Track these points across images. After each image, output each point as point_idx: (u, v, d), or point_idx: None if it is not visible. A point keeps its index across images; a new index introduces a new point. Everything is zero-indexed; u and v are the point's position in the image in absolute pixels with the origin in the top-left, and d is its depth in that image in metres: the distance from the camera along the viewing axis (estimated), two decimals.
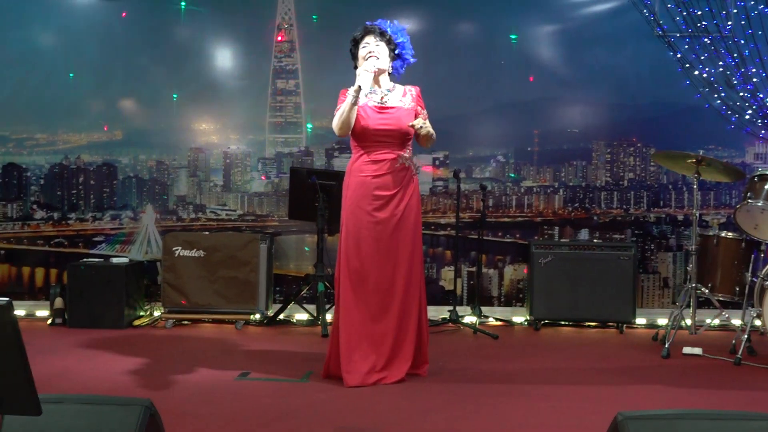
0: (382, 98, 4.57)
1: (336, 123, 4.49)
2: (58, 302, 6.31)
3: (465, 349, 5.59)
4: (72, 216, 6.99)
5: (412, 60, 4.71)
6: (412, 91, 4.63)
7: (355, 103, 4.41)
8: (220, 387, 4.41)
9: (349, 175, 4.59)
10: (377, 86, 4.58)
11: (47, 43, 6.97)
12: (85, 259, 6.48)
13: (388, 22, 4.66)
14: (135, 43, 6.94)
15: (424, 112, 4.60)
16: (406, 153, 4.58)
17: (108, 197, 7.03)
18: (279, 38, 7.01)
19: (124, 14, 6.90)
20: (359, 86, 4.40)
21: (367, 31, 4.59)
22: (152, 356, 5.16)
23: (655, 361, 5.26)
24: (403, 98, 4.59)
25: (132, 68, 6.96)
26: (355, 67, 4.63)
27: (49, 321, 6.34)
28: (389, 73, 4.65)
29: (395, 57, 4.64)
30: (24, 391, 2.00)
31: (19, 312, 6.56)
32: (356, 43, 4.62)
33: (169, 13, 6.95)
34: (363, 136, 4.52)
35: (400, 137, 4.53)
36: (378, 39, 4.55)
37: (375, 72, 4.48)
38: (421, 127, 4.44)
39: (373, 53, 4.52)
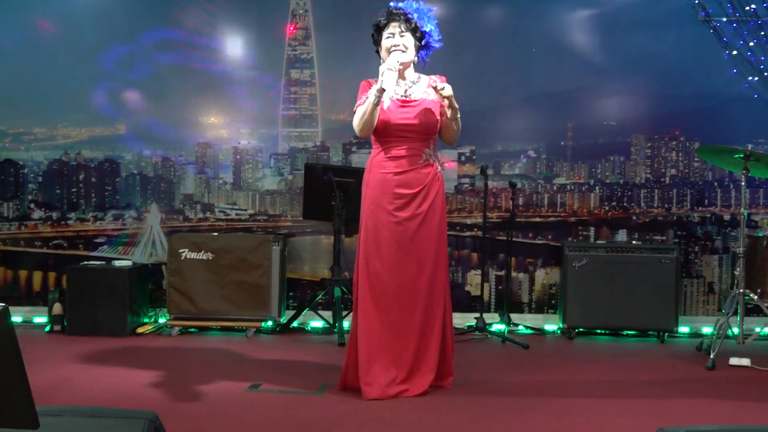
0: (405, 91, 4.53)
1: (357, 123, 4.46)
2: (57, 308, 6.36)
3: (493, 360, 5.58)
4: (72, 216, 7.05)
5: (438, 46, 4.67)
6: (437, 82, 4.58)
7: (377, 104, 4.36)
8: (230, 399, 4.42)
9: (369, 171, 4.58)
10: (401, 79, 4.55)
11: (46, 31, 7.02)
12: (85, 262, 6.54)
13: (415, 4, 4.56)
14: (139, 32, 6.98)
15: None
16: (431, 149, 4.56)
17: (110, 196, 7.07)
18: (292, 29, 7.03)
19: None
20: (383, 88, 4.32)
21: (392, 17, 4.51)
22: (157, 366, 5.18)
23: (699, 372, 5.23)
24: (427, 89, 4.55)
25: (136, 59, 7.00)
26: (377, 52, 4.61)
27: (47, 328, 6.39)
28: (414, 63, 4.62)
29: (421, 46, 4.61)
30: (21, 403, 2.02)
31: (16, 318, 6.63)
32: (379, 29, 4.57)
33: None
34: (384, 131, 4.49)
35: (424, 132, 4.50)
36: (403, 27, 4.47)
37: (399, 70, 4.44)
38: (443, 88, 4.38)
39: (398, 47, 4.48)
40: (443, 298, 4.58)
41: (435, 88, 4.43)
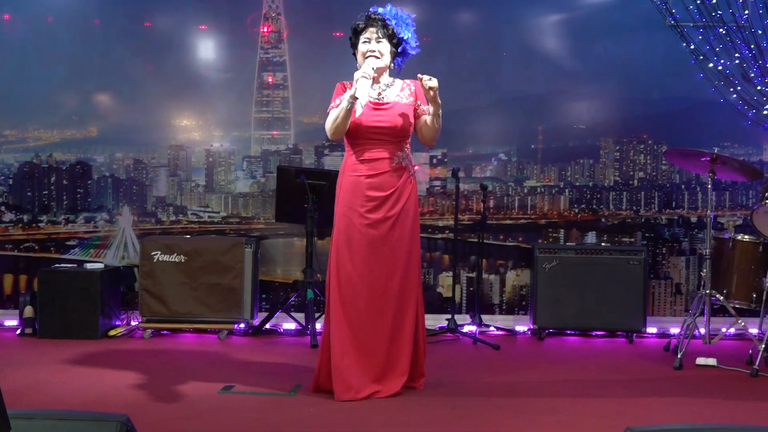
0: (379, 94, 4.54)
1: (329, 127, 4.46)
2: (28, 311, 6.30)
3: (464, 361, 5.60)
4: (43, 218, 6.99)
5: (414, 53, 4.66)
6: (410, 85, 4.57)
7: (350, 110, 4.35)
8: (202, 401, 4.40)
9: (342, 174, 4.59)
10: (375, 83, 4.54)
11: (17, 33, 6.96)
12: (57, 265, 6.49)
13: (394, 10, 4.55)
14: (112, 34, 6.94)
15: (423, 107, 4.56)
16: (404, 152, 4.57)
17: (82, 198, 7.02)
18: (265, 29, 7.02)
19: (97, 22, 6.92)
20: (356, 96, 4.31)
21: (370, 22, 4.50)
22: (129, 368, 5.15)
23: (666, 372, 5.27)
24: (400, 92, 4.55)
25: (108, 60, 6.96)
26: (354, 55, 4.61)
27: (18, 331, 6.33)
28: (389, 69, 4.62)
29: (397, 53, 4.60)
30: None
31: None
32: (356, 33, 4.57)
33: (148, 1, 6.96)
34: (356, 133, 4.49)
35: (396, 135, 4.50)
36: (380, 33, 4.47)
37: (373, 78, 4.44)
38: (430, 79, 4.34)
39: (374, 52, 4.48)
40: (415, 301, 4.58)
41: (421, 79, 4.41)
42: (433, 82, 4.39)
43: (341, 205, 4.54)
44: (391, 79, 4.63)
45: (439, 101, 4.45)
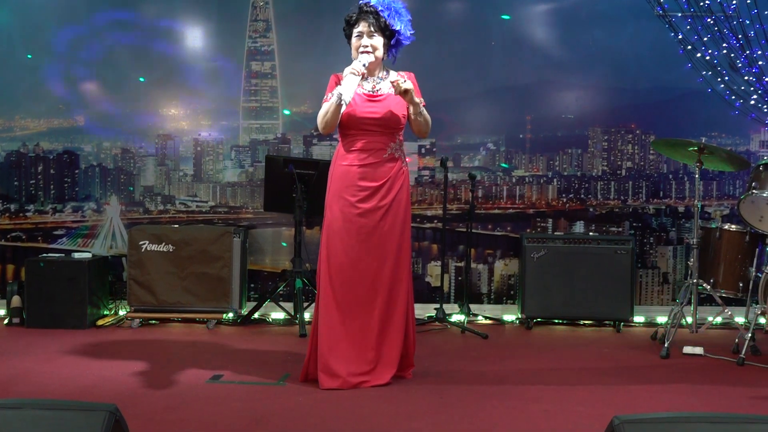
0: (373, 87, 4.55)
1: (320, 121, 4.47)
2: (16, 300, 6.28)
3: (452, 350, 5.61)
4: (30, 208, 6.96)
5: (408, 42, 4.63)
6: (404, 77, 4.57)
7: (339, 105, 4.36)
8: (191, 391, 4.41)
9: (333, 163, 4.60)
10: (370, 75, 4.55)
11: (3, 21, 6.91)
12: (44, 255, 6.47)
13: (387, 0, 4.51)
14: (98, 22, 6.90)
15: (418, 99, 4.54)
16: (396, 143, 4.57)
17: (69, 188, 6.99)
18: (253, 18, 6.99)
19: None
20: (340, 94, 4.32)
21: (362, 15, 4.49)
22: (117, 358, 5.15)
23: (653, 361, 5.30)
24: (394, 85, 4.55)
25: (95, 49, 6.92)
26: (349, 44, 4.59)
27: (6, 321, 6.31)
28: (384, 60, 4.61)
29: (391, 44, 4.59)
30: None
31: None
32: (349, 24, 4.56)
33: None
34: (349, 124, 4.50)
35: (389, 126, 4.51)
36: (373, 28, 4.46)
37: (362, 74, 4.44)
38: (402, 82, 4.38)
39: (367, 48, 4.48)
40: (405, 291, 4.59)
41: (393, 83, 4.44)
42: (407, 84, 4.40)
43: (332, 194, 4.55)
44: (386, 71, 4.62)
45: (417, 100, 4.46)
